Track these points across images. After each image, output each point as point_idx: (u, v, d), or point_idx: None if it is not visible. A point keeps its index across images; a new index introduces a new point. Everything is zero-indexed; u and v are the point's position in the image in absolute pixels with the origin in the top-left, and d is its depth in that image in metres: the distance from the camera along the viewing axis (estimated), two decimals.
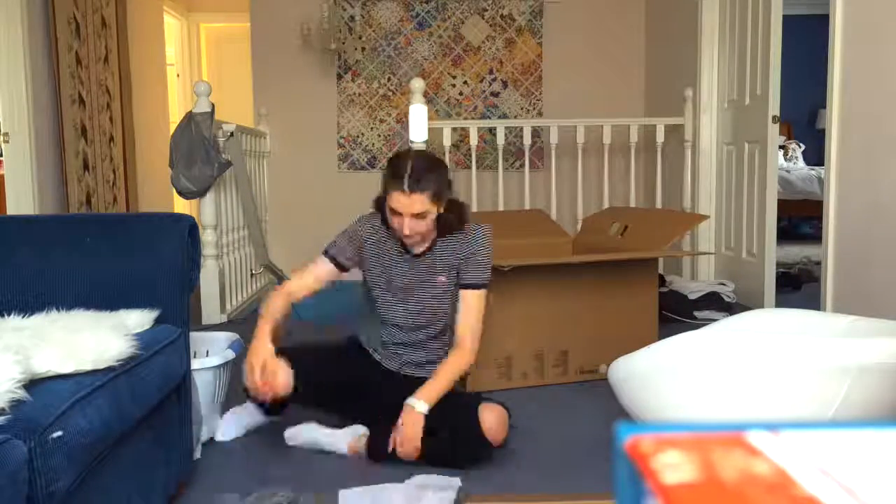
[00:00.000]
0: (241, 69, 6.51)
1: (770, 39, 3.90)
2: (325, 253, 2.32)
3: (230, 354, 2.48)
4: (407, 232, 2.14)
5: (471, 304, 2.26)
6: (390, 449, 2.11)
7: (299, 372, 2.16)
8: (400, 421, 2.10)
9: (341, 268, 2.32)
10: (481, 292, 2.26)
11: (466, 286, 2.26)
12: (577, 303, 2.95)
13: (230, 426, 2.39)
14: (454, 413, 2.11)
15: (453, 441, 2.08)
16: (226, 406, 2.62)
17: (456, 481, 1.97)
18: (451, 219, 2.21)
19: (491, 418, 2.11)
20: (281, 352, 2.18)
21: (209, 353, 2.54)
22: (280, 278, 5.22)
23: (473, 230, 2.27)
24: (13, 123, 4.33)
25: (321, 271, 2.32)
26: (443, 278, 2.24)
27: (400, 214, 2.13)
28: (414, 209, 2.11)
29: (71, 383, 1.38)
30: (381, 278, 2.29)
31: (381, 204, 2.24)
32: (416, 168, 2.10)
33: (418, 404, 2.10)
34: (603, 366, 2.84)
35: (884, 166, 2.85)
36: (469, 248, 2.25)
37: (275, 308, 2.26)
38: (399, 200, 2.11)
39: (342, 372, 2.32)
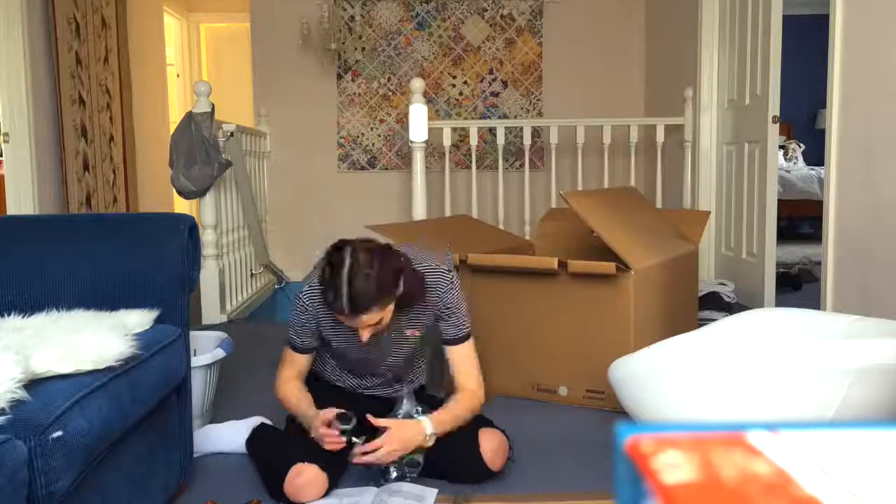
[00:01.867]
0: (241, 69, 6.52)
1: (770, 39, 3.90)
2: (293, 347, 2.16)
3: (220, 353, 2.48)
4: (365, 339, 1.97)
5: (463, 356, 2.13)
6: (359, 451, 1.96)
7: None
8: (391, 425, 1.97)
9: (314, 350, 2.17)
10: (468, 342, 2.14)
11: (451, 342, 2.12)
12: (542, 315, 2.76)
13: (208, 440, 2.31)
14: (455, 436, 2.04)
15: (452, 466, 2.04)
16: (215, 408, 2.62)
17: (432, 492, 1.95)
18: (410, 294, 2.00)
19: (491, 446, 2.04)
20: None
21: (197, 352, 2.51)
22: (280, 278, 5.23)
23: (431, 280, 2.07)
24: (13, 123, 4.33)
25: (301, 365, 2.17)
26: (413, 331, 2.11)
27: (352, 326, 1.98)
28: (367, 323, 1.92)
29: (71, 383, 1.38)
30: (344, 344, 2.13)
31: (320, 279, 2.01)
32: (353, 289, 1.85)
33: (426, 423, 1.99)
34: (562, 387, 2.73)
35: (884, 166, 2.85)
36: (437, 299, 2.08)
37: (292, 393, 2.12)
38: (344, 320, 1.95)
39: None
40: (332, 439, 1.94)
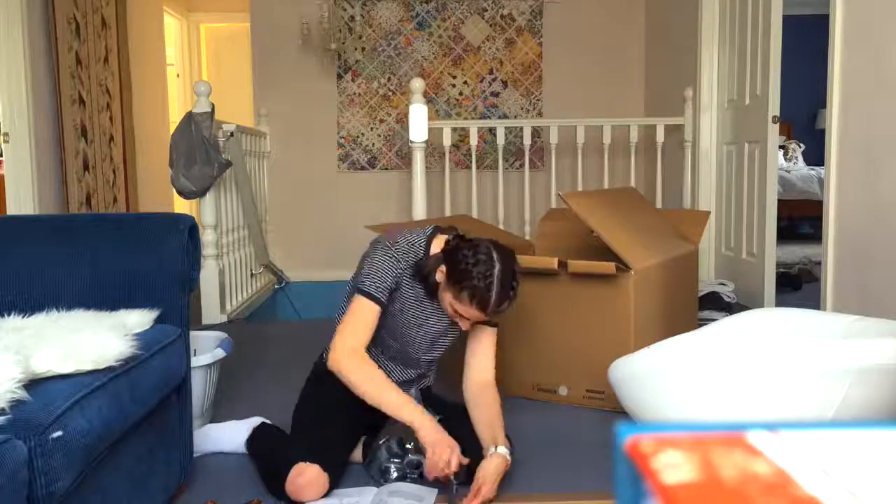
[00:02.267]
0: (241, 69, 6.52)
1: (770, 39, 3.90)
2: (371, 297, 2.01)
3: (220, 353, 2.48)
4: (467, 328, 2.06)
5: (491, 342, 2.17)
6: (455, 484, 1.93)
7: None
8: (483, 468, 1.93)
9: (386, 307, 2.07)
10: (495, 329, 2.19)
11: (493, 324, 2.17)
12: (542, 315, 2.76)
13: (208, 440, 2.30)
14: (459, 439, 2.03)
15: (456, 472, 2.04)
16: (215, 408, 2.62)
17: (432, 492, 1.94)
18: None
19: None
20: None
21: (196, 352, 2.51)
22: (280, 278, 5.23)
23: None
24: (13, 123, 4.33)
25: (371, 327, 2.03)
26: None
27: (463, 314, 2.01)
28: (479, 318, 2.02)
29: (71, 383, 1.38)
30: (403, 315, 2.11)
31: (426, 274, 2.02)
32: (501, 291, 1.94)
33: (503, 450, 1.97)
34: (562, 387, 2.74)
35: (884, 166, 2.85)
36: None
37: (381, 379, 2.00)
38: (473, 315, 1.99)
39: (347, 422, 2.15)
40: (446, 473, 1.90)
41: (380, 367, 2.08)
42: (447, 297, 2.00)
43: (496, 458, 1.94)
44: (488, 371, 2.15)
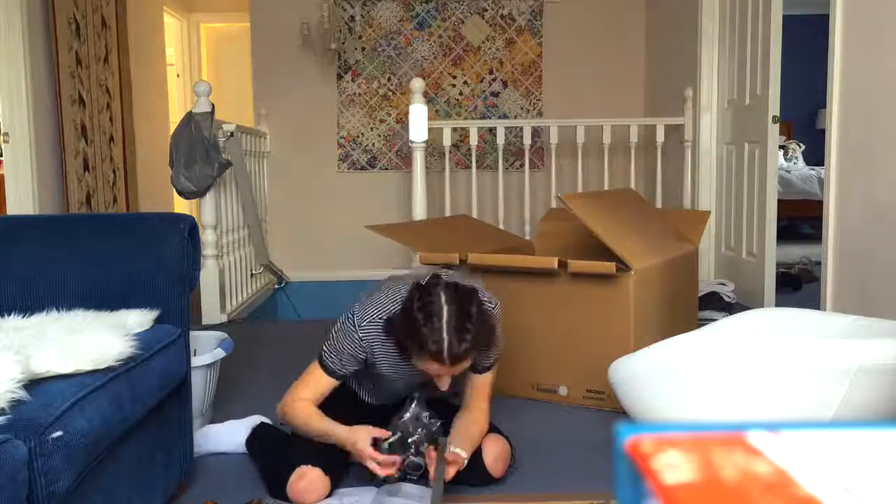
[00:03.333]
0: (241, 69, 6.51)
1: (770, 39, 3.90)
2: (326, 370, 2.00)
3: (220, 353, 2.48)
4: (446, 388, 1.93)
5: (485, 382, 2.08)
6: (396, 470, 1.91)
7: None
8: (435, 458, 1.92)
9: (343, 379, 2.05)
10: (492, 371, 2.09)
11: (479, 370, 2.06)
12: (542, 315, 2.76)
13: (208, 440, 2.30)
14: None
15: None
16: (215, 408, 2.62)
17: (430, 492, 1.95)
18: (493, 338, 1.95)
19: (494, 451, 2.03)
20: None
21: (196, 352, 2.50)
22: (280, 278, 5.23)
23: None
24: (13, 123, 4.33)
25: (323, 389, 2.02)
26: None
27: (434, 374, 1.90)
28: (456, 372, 1.88)
29: (71, 383, 1.38)
30: (390, 370, 2.04)
31: (397, 324, 1.88)
32: (453, 337, 1.76)
33: (463, 452, 1.95)
34: (562, 387, 2.74)
35: (884, 166, 2.85)
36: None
37: (303, 410, 2.00)
38: (438, 371, 1.85)
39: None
40: (388, 467, 1.87)
41: (366, 398, 2.15)
42: (413, 359, 1.88)
43: (455, 455, 1.92)
44: (481, 403, 2.08)
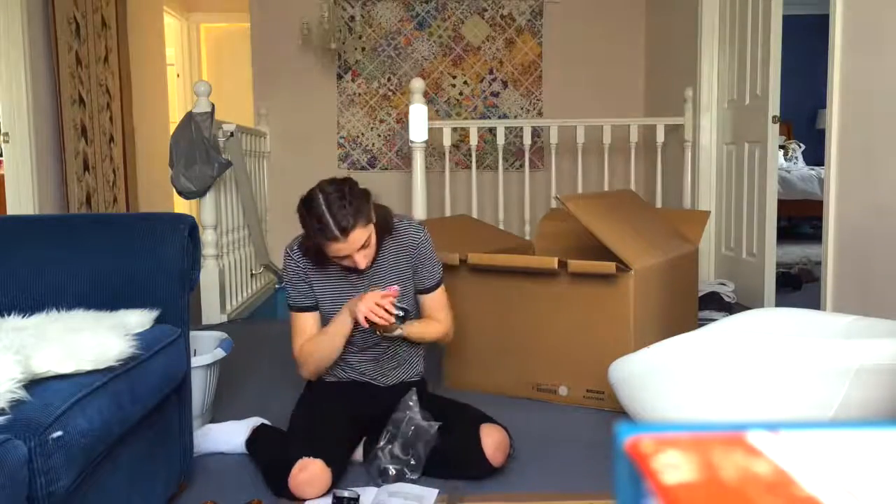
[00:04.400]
0: (241, 69, 6.51)
1: (770, 39, 3.90)
2: (294, 307, 2.24)
3: (220, 353, 2.48)
4: (364, 265, 2.09)
5: (437, 301, 2.29)
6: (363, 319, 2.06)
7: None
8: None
9: (317, 308, 2.25)
10: (441, 288, 2.30)
11: (426, 290, 2.28)
12: (542, 315, 2.74)
13: (208, 440, 2.30)
14: (456, 432, 2.06)
15: (453, 461, 2.04)
16: (215, 408, 2.62)
17: (432, 492, 1.95)
18: (382, 223, 2.17)
19: (492, 442, 2.04)
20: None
21: (197, 352, 2.50)
22: (280, 278, 5.22)
23: (405, 227, 2.27)
24: (13, 123, 4.33)
25: (311, 327, 2.23)
26: (395, 286, 2.13)
27: (347, 255, 2.07)
28: (357, 245, 2.05)
29: (71, 383, 1.38)
30: (334, 306, 2.21)
31: (309, 246, 2.16)
32: (335, 213, 2.02)
33: (403, 325, 2.13)
34: (562, 387, 2.74)
35: (884, 166, 2.85)
36: (412, 247, 2.25)
37: (313, 342, 2.22)
38: (338, 248, 2.05)
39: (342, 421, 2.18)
40: (383, 313, 2.03)
41: (350, 371, 2.27)
42: (327, 255, 2.09)
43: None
44: (440, 317, 2.29)
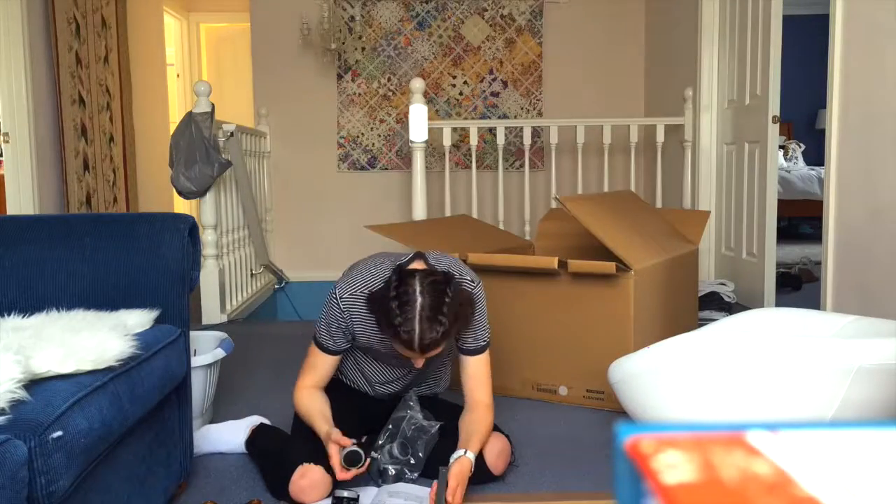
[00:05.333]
0: (241, 69, 6.52)
1: (770, 39, 3.90)
2: (319, 346, 2.06)
3: (220, 353, 2.48)
4: (420, 366, 1.96)
5: (479, 370, 2.06)
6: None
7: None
8: (449, 471, 1.91)
9: (343, 352, 2.09)
10: (485, 355, 2.07)
11: (469, 352, 2.06)
12: (542, 315, 2.73)
13: (207, 440, 2.29)
14: (457, 438, 2.03)
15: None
16: (215, 408, 2.62)
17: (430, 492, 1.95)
18: (466, 320, 1.96)
19: (494, 449, 2.03)
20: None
21: (197, 352, 2.50)
22: (280, 278, 5.23)
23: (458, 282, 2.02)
24: (13, 123, 4.33)
25: (325, 369, 2.07)
26: (442, 349, 1.97)
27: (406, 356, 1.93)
28: (429, 356, 1.91)
29: (71, 383, 1.38)
30: (369, 351, 2.10)
31: (375, 305, 1.91)
32: (424, 329, 1.80)
33: (469, 454, 1.93)
34: (562, 387, 2.73)
35: (884, 166, 2.85)
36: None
37: (309, 404, 2.03)
38: (408, 354, 1.89)
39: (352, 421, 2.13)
40: (342, 473, 1.88)
41: (360, 380, 2.17)
42: (392, 341, 1.91)
43: (461, 461, 1.91)
44: (482, 396, 2.05)
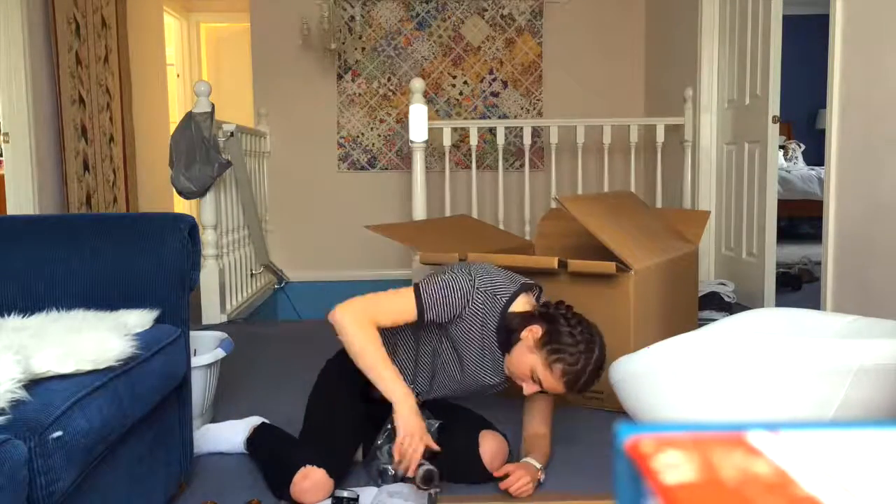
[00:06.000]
0: (241, 69, 6.52)
1: (770, 39, 3.90)
2: (419, 301, 1.93)
3: (220, 353, 2.48)
4: (530, 393, 2.00)
5: (547, 407, 2.15)
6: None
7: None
8: (515, 472, 1.97)
9: (423, 321, 1.97)
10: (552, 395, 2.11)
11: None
12: None
13: (207, 440, 2.29)
14: (455, 438, 2.04)
15: (451, 466, 2.02)
16: (215, 408, 2.62)
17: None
18: None
19: (490, 449, 2.04)
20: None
21: (197, 352, 2.50)
22: (280, 278, 5.23)
23: None
24: (13, 123, 4.33)
25: (404, 319, 1.96)
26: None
27: (528, 380, 1.95)
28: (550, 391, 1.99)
29: (71, 383, 1.38)
30: (458, 357, 2.05)
31: (512, 328, 1.95)
32: (588, 377, 1.93)
33: (537, 464, 2.02)
34: None
35: (884, 166, 2.85)
36: None
37: (381, 347, 1.92)
38: (553, 387, 1.95)
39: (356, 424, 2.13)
40: (414, 466, 1.87)
41: (401, 365, 2.06)
42: (530, 360, 1.92)
43: (531, 470, 1.99)
44: (544, 427, 2.14)
